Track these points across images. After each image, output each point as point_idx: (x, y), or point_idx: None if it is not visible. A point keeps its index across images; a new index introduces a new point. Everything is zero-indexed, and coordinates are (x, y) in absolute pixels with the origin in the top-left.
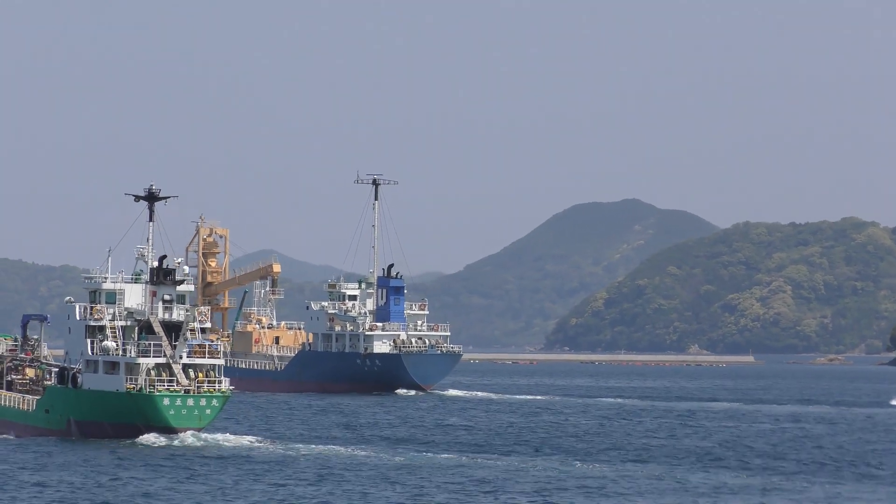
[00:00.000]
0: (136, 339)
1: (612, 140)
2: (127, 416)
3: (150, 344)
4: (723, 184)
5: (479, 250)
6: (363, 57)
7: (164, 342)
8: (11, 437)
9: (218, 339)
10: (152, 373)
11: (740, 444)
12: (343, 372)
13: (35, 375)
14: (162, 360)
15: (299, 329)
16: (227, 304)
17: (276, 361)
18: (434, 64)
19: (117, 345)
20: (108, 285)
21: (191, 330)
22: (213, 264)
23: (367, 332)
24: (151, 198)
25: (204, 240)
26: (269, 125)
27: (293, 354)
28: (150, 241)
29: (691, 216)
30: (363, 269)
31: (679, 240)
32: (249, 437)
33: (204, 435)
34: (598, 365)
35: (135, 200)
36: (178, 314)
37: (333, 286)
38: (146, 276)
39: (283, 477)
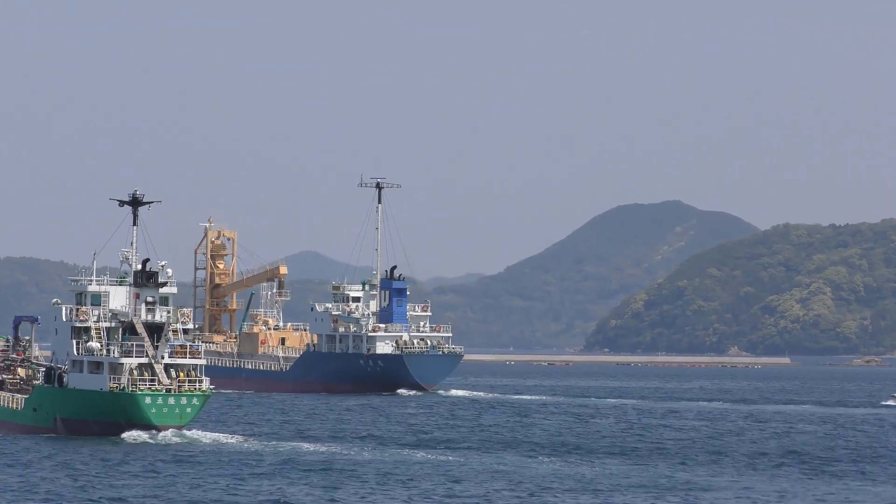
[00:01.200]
0: (119, 339)
1: (654, 141)
2: (110, 414)
3: (132, 344)
4: (763, 185)
5: (519, 252)
6: (393, 53)
7: (147, 343)
8: None
9: (198, 340)
10: (135, 372)
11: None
12: (346, 372)
13: (26, 375)
14: (144, 361)
15: (305, 330)
16: (234, 306)
17: (282, 362)
18: (468, 61)
19: (101, 345)
20: (93, 287)
21: (173, 331)
22: (221, 266)
23: (370, 334)
24: (135, 202)
25: (212, 242)
26: (301, 128)
27: (299, 355)
28: (134, 245)
29: (732, 217)
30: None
31: (720, 241)
32: (236, 436)
33: (184, 432)
34: (633, 367)
35: (119, 205)
36: (160, 316)
37: (337, 288)
38: (131, 279)
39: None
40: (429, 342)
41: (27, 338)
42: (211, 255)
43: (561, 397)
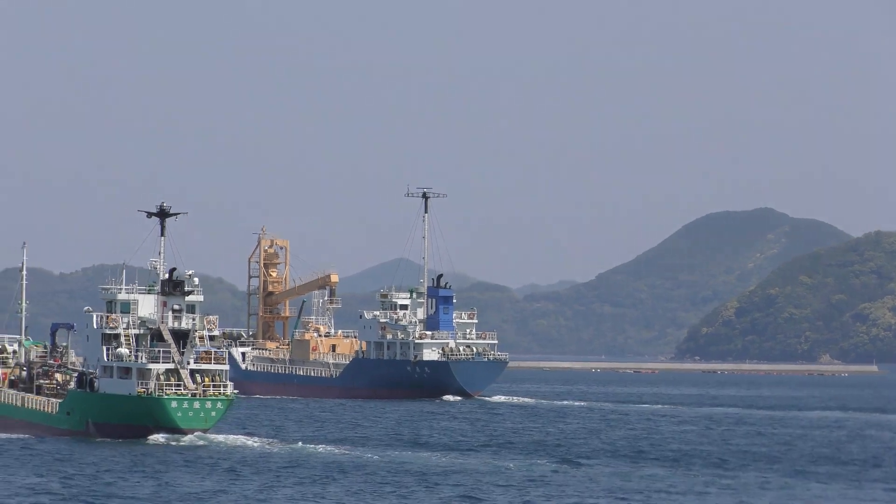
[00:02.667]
0: (147, 346)
1: (745, 148)
2: (138, 417)
3: (159, 351)
4: (855, 192)
5: (611, 259)
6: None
7: (173, 349)
8: (29, 437)
9: (240, 345)
10: (161, 377)
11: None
12: (393, 379)
13: (62, 380)
14: (171, 366)
15: (355, 337)
16: (287, 314)
17: (332, 369)
18: (554, 64)
19: (130, 351)
20: (122, 296)
21: (199, 337)
22: (273, 274)
23: (416, 340)
24: (163, 214)
25: (265, 251)
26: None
27: (348, 362)
28: (162, 255)
29: (824, 224)
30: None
31: (812, 248)
32: (255, 438)
33: (209, 434)
34: (719, 374)
35: (147, 217)
36: (186, 323)
37: (385, 296)
38: (158, 287)
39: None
40: (474, 349)
41: (64, 344)
42: (264, 264)
43: (601, 403)
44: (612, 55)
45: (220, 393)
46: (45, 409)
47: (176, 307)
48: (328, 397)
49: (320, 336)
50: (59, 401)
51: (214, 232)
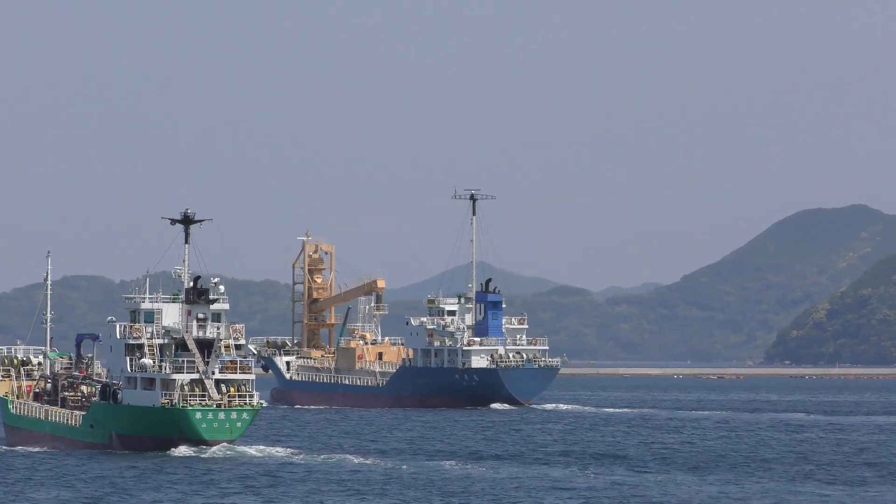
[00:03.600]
0: (171, 356)
1: (838, 142)
2: (163, 429)
3: (184, 361)
4: None
5: (696, 260)
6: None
7: (198, 359)
8: (49, 450)
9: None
10: (186, 388)
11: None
12: (441, 387)
13: (87, 392)
14: (195, 376)
15: (402, 345)
16: (332, 321)
17: (378, 377)
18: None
19: (154, 362)
20: (146, 305)
21: (224, 347)
22: (318, 280)
23: (464, 347)
24: (187, 221)
25: (310, 256)
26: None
27: (395, 370)
28: (187, 262)
29: None
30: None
31: None
32: (280, 449)
33: (235, 446)
34: (807, 379)
35: (171, 224)
36: (211, 332)
37: (433, 301)
38: (183, 296)
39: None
40: (524, 355)
41: (89, 355)
42: (308, 270)
43: (652, 410)
44: (693, 38)
45: (245, 403)
46: (69, 421)
47: (200, 316)
48: (375, 407)
49: (366, 344)
50: (83, 413)
51: (259, 237)
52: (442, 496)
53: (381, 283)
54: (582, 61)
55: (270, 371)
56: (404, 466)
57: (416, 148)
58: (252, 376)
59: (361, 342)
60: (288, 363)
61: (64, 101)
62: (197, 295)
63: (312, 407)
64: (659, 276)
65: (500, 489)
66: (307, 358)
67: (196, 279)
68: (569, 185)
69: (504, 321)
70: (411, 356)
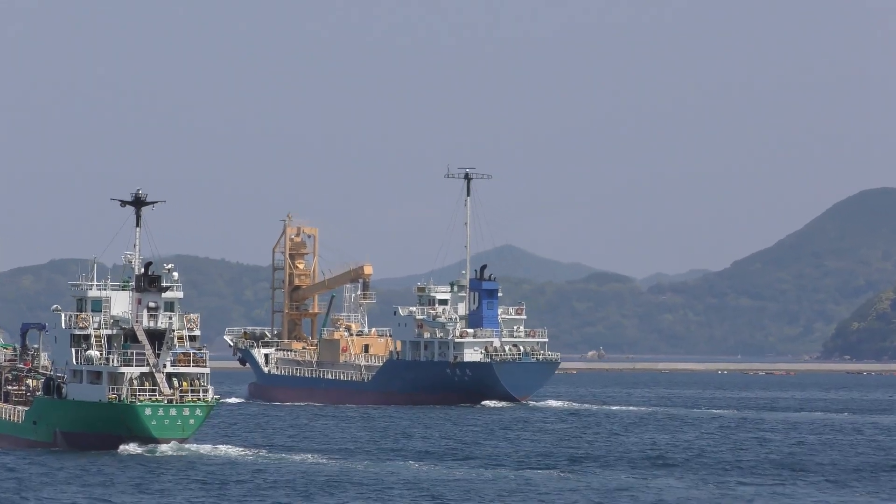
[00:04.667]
0: (120, 347)
1: None
2: (110, 426)
3: (133, 353)
4: None
5: (748, 245)
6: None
7: (148, 351)
8: None
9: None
10: (135, 382)
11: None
12: (431, 382)
13: (33, 386)
14: (145, 370)
15: (391, 336)
16: (315, 310)
17: (364, 371)
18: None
19: (101, 354)
20: (93, 293)
21: (178, 338)
22: (300, 266)
23: (457, 339)
24: (138, 203)
25: (291, 240)
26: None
27: (382, 364)
28: (138, 247)
29: None
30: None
31: None
32: (234, 448)
33: (187, 445)
34: (866, 376)
35: (121, 205)
36: (162, 322)
37: (422, 289)
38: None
39: None
40: (522, 348)
41: (35, 346)
42: (290, 255)
43: (657, 408)
44: (745, 3)
45: (199, 399)
46: (12, 417)
47: (152, 305)
48: (359, 403)
49: (351, 335)
50: (27, 409)
51: (239, 219)
52: (383, 499)
53: (368, 270)
54: (623, 23)
55: (248, 364)
56: (359, 466)
57: (410, 124)
58: (206, 370)
59: (346, 333)
60: (266, 356)
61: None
62: (148, 282)
63: (292, 403)
64: (707, 261)
65: (447, 490)
66: (287, 350)
67: (147, 265)
68: (609, 161)
69: (500, 311)
70: (399, 349)
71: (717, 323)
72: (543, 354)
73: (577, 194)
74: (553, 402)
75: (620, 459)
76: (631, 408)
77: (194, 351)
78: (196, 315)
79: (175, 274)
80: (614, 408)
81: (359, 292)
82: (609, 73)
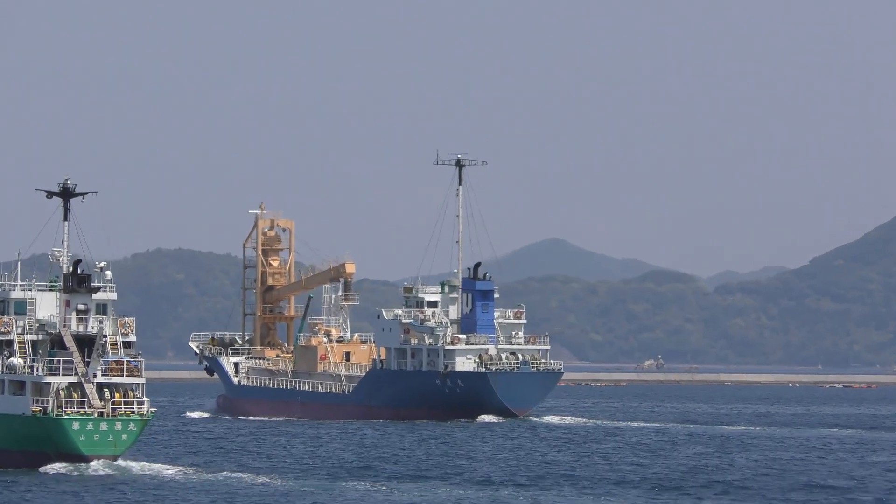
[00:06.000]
0: (46, 355)
1: None
2: (34, 442)
3: (60, 361)
4: None
5: (830, 239)
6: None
7: (76, 358)
8: None
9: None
10: (62, 393)
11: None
12: (419, 394)
13: None
14: (73, 379)
15: (374, 343)
16: (292, 313)
17: (344, 382)
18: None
19: (25, 361)
20: (17, 294)
21: (111, 344)
22: (274, 264)
23: (447, 346)
24: (66, 194)
25: (264, 234)
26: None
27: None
28: (66, 243)
29: None
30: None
31: None
32: (171, 466)
33: (119, 463)
34: None
35: (47, 197)
36: (93, 326)
37: (409, 290)
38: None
39: None
40: (520, 356)
41: None
42: (262, 251)
43: (675, 424)
44: None
45: (132, 412)
46: None
47: (81, 307)
48: (339, 418)
49: (331, 341)
50: None
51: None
52: None
53: (349, 268)
54: None
55: (216, 374)
56: (303, 487)
57: (396, 104)
58: (142, 380)
59: (325, 339)
60: (236, 365)
61: None
62: (77, 282)
63: (264, 418)
64: (783, 258)
65: None
66: (260, 358)
67: (76, 263)
68: (669, 141)
69: (497, 314)
70: (383, 357)
71: (794, 328)
72: (545, 364)
73: (632, 181)
74: (554, 418)
75: (544, 478)
76: (632, 424)
77: (128, 359)
78: (131, 319)
79: (108, 273)
80: (605, 423)
81: (339, 293)
82: (670, 40)
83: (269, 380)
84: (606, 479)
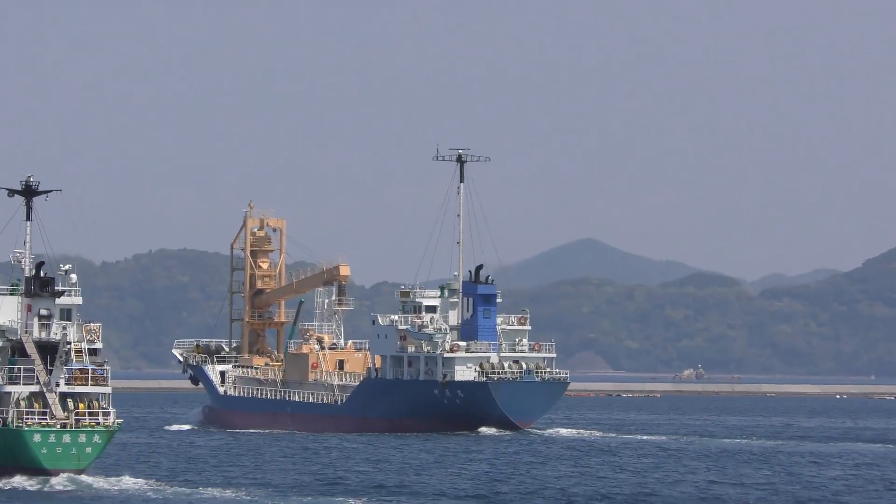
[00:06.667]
0: (6, 362)
1: None
2: None
3: (20, 369)
4: None
5: (886, 239)
6: None
7: (38, 366)
8: None
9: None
10: (23, 404)
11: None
12: (416, 405)
13: None
14: (35, 389)
15: (369, 350)
16: (282, 318)
17: (337, 392)
18: None
19: None
20: None
21: (76, 352)
22: (264, 266)
23: (446, 354)
24: (29, 192)
25: (253, 234)
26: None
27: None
28: (28, 244)
29: None
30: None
31: None
32: (138, 480)
33: (83, 478)
34: None
35: (9, 195)
36: (56, 332)
37: (406, 294)
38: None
39: None
40: (524, 365)
41: None
42: (251, 251)
43: (684, 437)
44: None
45: (97, 424)
46: None
47: (44, 312)
48: (331, 430)
49: (323, 349)
50: None
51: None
52: None
53: (344, 270)
54: None
55: (201, 384)
56: (269, 502)
57: (394, 97)
58: (108, 389)
59: (317, 347)
60: (223, 374)
61: None
62: (40, 286)
63: (251, 431)
64: (834, 260)
65: None
66: (248, 367)
67: (39, 265)
68: (710, 135)
69: (499, 320)
70: (378, 365)
71: (846, 336)
72: (550, 373)
73: (672, 175)
74: (563, 430)
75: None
76: (626, 436)
77: (93, 367)
78: (98, 325)
79: (73, 276)
80: (607, 436)
81: (333, 297)
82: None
83: (258, 390)
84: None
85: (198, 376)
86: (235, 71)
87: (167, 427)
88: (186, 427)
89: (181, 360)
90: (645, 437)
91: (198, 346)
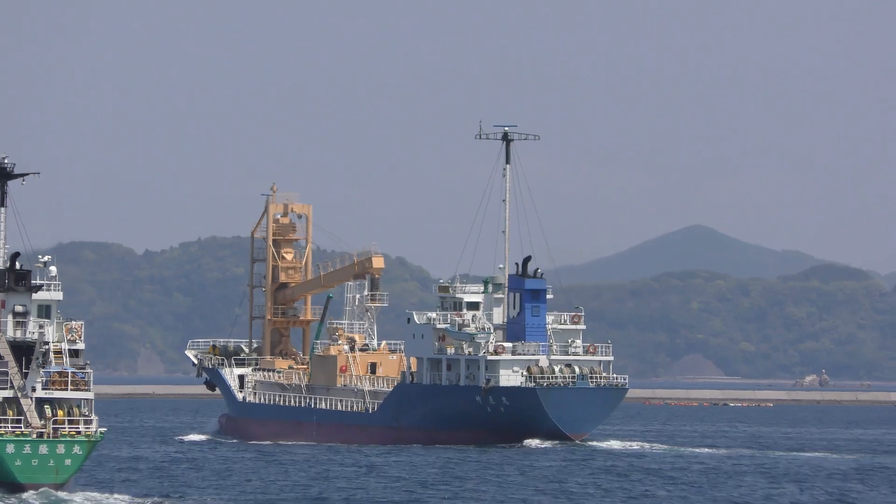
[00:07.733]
0: None
1: None
2: None
3: None
4: None
5: None
6: None
7: (13, 369)
8: None
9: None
10: None
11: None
12: (456, 414)
13: None
14: (9, 394)
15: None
16: (308, 316)
17: (368, 399)
18: None
19: None
20: None
21: (55, 353)
22: (288, 257)
23: (490, 357)
24: (3, 175)
25: (276, 221)
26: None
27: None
28: (2, 233)
29: None
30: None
31: None
32: (119, 496)
33: (61, 494)
34: None
35: None
36: (32, 331)
37: (445, 289)
38: None
39: None
40: (577, 370)
41: None
42: (274, 241)
43: (744, 449)
44: None
45: (77, 433)
46: None
47: (19, 309)
48: (362, 441)
49: (353, 350)
50: None
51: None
52: None
53: (377, 262)
54: None
55: (218, 390)
56: None
57: (431, 69)
58: (90, 395)
59: (346, 348)
60: (242, 378)
61: None
62: (14, 280)
63: (271, 443)
64: None
65: None
66: (269, 370)
67: (14, 257)
68: (835, 110)
69: (550, 319)
70: (414, 369)
71: None
72: (606, 378)
73: (795, 158)
74: (615, 443)
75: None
76: (698, 450)
77: (74, 370)
78: (79, 323)
79: (52, 269)
80: (699, 450)
81: (365, 292)
82: None
83: (280, 396)
84: None
85: (214, 381)
86: (272, 52)
87: (180, 437)
88: (201, 437)
89: (195, 362)
90: (695, 450)
91: (214, 346)
